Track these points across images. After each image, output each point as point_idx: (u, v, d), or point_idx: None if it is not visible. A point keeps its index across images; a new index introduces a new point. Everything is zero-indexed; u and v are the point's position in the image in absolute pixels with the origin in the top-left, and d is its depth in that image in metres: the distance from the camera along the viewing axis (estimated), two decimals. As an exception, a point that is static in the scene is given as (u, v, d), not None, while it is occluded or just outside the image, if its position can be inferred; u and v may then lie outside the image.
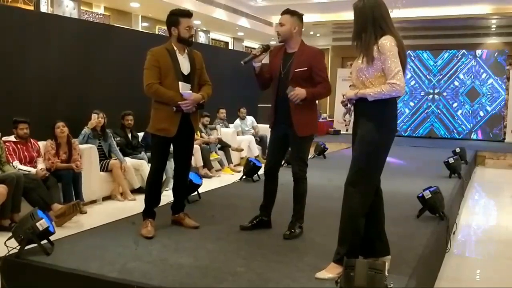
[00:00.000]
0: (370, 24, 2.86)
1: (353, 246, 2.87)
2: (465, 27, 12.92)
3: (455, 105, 13.18)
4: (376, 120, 2.88)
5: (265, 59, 3.83)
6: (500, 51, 12.92)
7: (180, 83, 3.66)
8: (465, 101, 13.06)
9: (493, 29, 13.24)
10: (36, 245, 3.20)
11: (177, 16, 3.76)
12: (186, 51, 3.82)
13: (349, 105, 2.97)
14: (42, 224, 3.20)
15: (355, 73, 2.97)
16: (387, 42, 2.82)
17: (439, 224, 4.28)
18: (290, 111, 3.63)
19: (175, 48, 3.77)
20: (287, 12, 3.71)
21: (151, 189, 3.85)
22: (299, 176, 3.74)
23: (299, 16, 3.72)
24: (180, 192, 4.04)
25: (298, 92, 3.50)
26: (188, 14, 3.78)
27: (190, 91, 3.70)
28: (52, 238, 3.34)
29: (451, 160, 6.80)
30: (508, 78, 12.63)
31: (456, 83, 13.15)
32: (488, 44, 13.82)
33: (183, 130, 3.74)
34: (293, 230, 3.71)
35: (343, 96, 3.00)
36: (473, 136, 13.00)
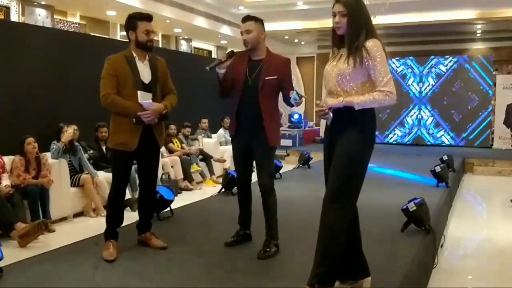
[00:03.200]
0: (364, 27, 2.63)
1: (332, 268, 2.60)
2: (450, 32, 12.80)
3: (441, 111, 13.02)
4: (361, 132, 2.62)
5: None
6: (486, 56, 12.84)
7: (139, 92, 3.39)
8: (451, 106, 12.92)
9: (479, 34, 13.14)
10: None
11: (135, 19, 3.50)
12: (147, 57, 3.55)
13: (329, 115, 2.68)
14: (-12, 250, 2.91)
15: (335, 78, 2.70)
16: (375, 46, 2.59)
17: (425, 238, 4.03)
18: (264, 122, 3.43)
19: (135, 55, 3.51)
20: (251, 18, 3.51)
21: (113, 208, 3.56)
22: (268, 189, 3.51)
23: (262, 22, 3.55)
24: (146, 210, 3.75)
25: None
26: (146, 17, 3.52)
27: (151, 101, 3.42)
28: (10, 261, 3.11)
29: (438, 169, 6.59)
30: (494, 84, 12.52)
31: (442, 88, 13.01)
32: (473, 50, 13.73)
33: (146, 144, 3.46)
34: (267, 249, 3.45)
35: (318, 104, 2.70)
36: (461, 143, 12.85)
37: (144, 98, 3.39)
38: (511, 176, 9.43)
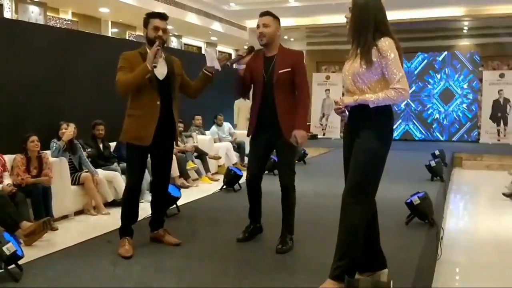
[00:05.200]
0: (371, 26, 2.69)
1: (353, 261, 2.68)
2: (437, 29, 13.02)
3: (429, 106, 13.24)
4: (378, 128, 2.70)
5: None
6: (473, 53, 13.08)
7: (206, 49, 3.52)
8: (439, 102, 13.14)
9: (465, 31, 13.38)
10: (2, 271, 2.92)
11: (148, 17, 3.57)
12: (162, 56, 3.58)
13: (346, 113, 2.76)
14: (9, 248, 2.94)
15: (351, 77, 2.77)
16: (387, 45, 2.66)
17: (429, 231, 4.15)
18: (278, 117, 3.46)
19: (149, 51, 3.54)
20: (269, 14, 3.57)
21: (128, 205, 3.58)
22: (288, 185, 3.57)
23: (279, 20, 3.61)
24: (159, 207, 3.78)
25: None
26: (157, 15, 3.57)
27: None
28: (21, 261, 3.06)
29: (432, 163, 6.73)
30: (480, 80, 12.77)
31: (429, 85, 13.23)
32: (460, 46, 13.97)
33: (161, 139, 3.50)
34: (285, 244, 3.52)
35: (337, 103, 2.79)
36: (446, 137, 13.07)
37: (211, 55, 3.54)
38: (499, 170, 9.64)
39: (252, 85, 3.65)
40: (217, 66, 3.57)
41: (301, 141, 3.42)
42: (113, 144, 6.83)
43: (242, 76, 3.54)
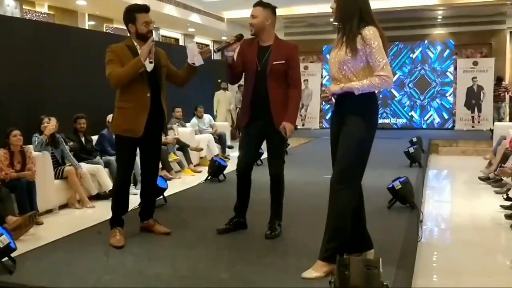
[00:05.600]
0: (356, 14, 2.79)
1: (342, 243, 2.79)
2: (412, 18, 13.24)
3: (404, 94, 13.48)
4: (363, 115, 2.81)
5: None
6: (447, 41, 13.36)
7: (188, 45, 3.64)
8: (415, 90, 13.39)
9: (439, 20, 13.64)
10: (-4, 263, 2.94)
11: (133, 12, 3.57)
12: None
13: (332, 100, 2.87)
14: (2, 240, 2.96)
15: (337, 65, 2.87)
16: (372, 33, 2.76)
17: (410, 214, 4.30)
18: (271, 107, 3.51)
19: (136, 44, 3.58)
20: (260, 4, 3.58)
21: (118, 196, 3.63)
22: (277, 173, 3.64)
23: (273, 9, 3.61)
24: (149, 197, 3.83)
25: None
26: (144, 8, 3.59)
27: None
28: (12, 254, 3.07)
29: (411, 150, 6.92)
30: (455, 68, 13.05)
31: (405, 73, 13.44)
32: (435, 35, 14.23)
33: (151, 131, 3.55)
34: (274, 230, 3.61)
35: (324, 91, 2.90)
36: (424, 125, 13.34)
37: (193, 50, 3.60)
38: (474, 156, 9.91)
39: (243, 73, 3.67)
40: (199, 61, 3.62)
41: (289, 134, 3.50)
42: (95, 138, 6.81)
43: (231, 64, 3.56)
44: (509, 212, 5.09)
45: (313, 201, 4.62)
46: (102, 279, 2.84)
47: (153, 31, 3.66)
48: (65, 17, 9.66)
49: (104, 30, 10.53)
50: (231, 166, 6.55)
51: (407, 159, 7.06)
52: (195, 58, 3.60)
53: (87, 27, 9.89)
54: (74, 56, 6.77)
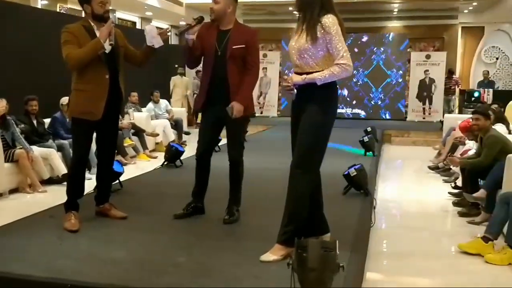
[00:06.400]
0: (317, 2, 2.81)
1: (299, 226, 2.85)
2: (368, 10, 13.45)
3: (359, 84, 13.74)
4: (323, 103, 2.86)
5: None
6: (401, 34, 13.69)
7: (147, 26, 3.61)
8: (369, 82, 13.67)
9: (395, 13, 13.93)
10: None
11: None
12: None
13: (294, 91, 2.89)
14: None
15: (297, 53, 2.89)
16: (331, 21, 2.80)
17: (364, 200, 4.42)
18: (230, 91, 3.49)
19: (93, 24, 3.48)
20: None
21: (74, 180, 3.55)
22: (236, 159, 3.65)
23: None
24: (105, 181, 3.77)
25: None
26: None
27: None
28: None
29: (366, 139, 7.10)
30: (409, 60, 13.40)
31: (360, 64, 13.68)
32: (390, 28, 14.52)
33: (109, 113, 3.47)
34: (232, 215, 3.63)
35: (286, 80, 2.91)
36: (378, 116, 13.64)
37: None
38: (424, 146, 10.26)
39: (202, 57, 3.63)
40: (158, 43, 3.58)
41: (236, 113, 3.42)
42: (47, 120, 6.61)
43: (191, 47, 3.52)
44: (456, 199, 5.33)
45: (271, 187, 4.67)
46: (56, 262, 2.78)
47: (110, 13, 3.57)
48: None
49: (58, 10, 10.16)
50: (188, 152, 6.54)
51: (362, 148, 7.23)
52: (154, 40, 3.55)
53: (39, 7, 9.50)
54: (25, 36, 6.52)
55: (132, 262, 2.83)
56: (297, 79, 2.88)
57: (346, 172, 4.60)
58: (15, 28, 6.48)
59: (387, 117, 13.53)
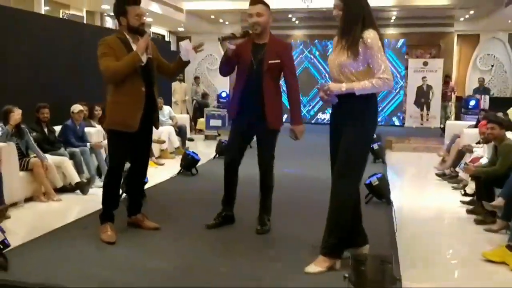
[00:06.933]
0: (360, 19, 2.86)
1: (342, 238, 2.89)
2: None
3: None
4: (364, 114, 2.91)
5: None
6: (399, 41, 13.83)
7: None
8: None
9: (393, 21, 14.10)
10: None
11: (124, 4, 3.49)
12: (139, 39, 3.55)
13: (335, 98, 2.93)
14: (-4, 237, 2.83)
15: (337, 68, 2.94)
16: (372, 37, 2.85)
17: (387, 209, 4.48)
18: (265, 104, 3.54)
19: (128, 37, 3.51)
20: (261, 2, 3.58)
21: (109, 191, 3.56)
22: (268, 169, 3.69)
23: (269, 7, 3.62)
24: (138, 191, 3.79)
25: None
26: (135, 1, 3.52)
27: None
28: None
29: (375, 146, 7.17)
30: (406, 67, 13.55)
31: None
32: (387, 35, 14.67)
33: (144, 125, 3.51)
34: (264, 225, 3.66)
35: (323, 86, 2.94)
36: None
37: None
38: (424, 152, 10.39)
39: (236, 67, 3.67)
40: (193, 57, 3.64)
41: (300, 136, 3.59)
42: (57, 128, 6.58)
43: (230, 56, 3.56)
44: (470, 207, 5.40)
45: (299, 194, 4.71)
46: (100, 274, 2.79)
47: (111, 19, 3.62)
48: (20, 1, 9.19)
49: (61, 16, 10.11)
50: (203, 160, 6.55)
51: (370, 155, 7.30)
52: (190, 55, 3.58)
53: (43, 12, 9.46)
54: (36, 43, 6.49)
55: (176, 271, 2.85)
56: (336, 87, 2.91)
57: (367, 181, 4.65)
58: (27, 35, 6.45)
59: (397, 123, 13.54)
